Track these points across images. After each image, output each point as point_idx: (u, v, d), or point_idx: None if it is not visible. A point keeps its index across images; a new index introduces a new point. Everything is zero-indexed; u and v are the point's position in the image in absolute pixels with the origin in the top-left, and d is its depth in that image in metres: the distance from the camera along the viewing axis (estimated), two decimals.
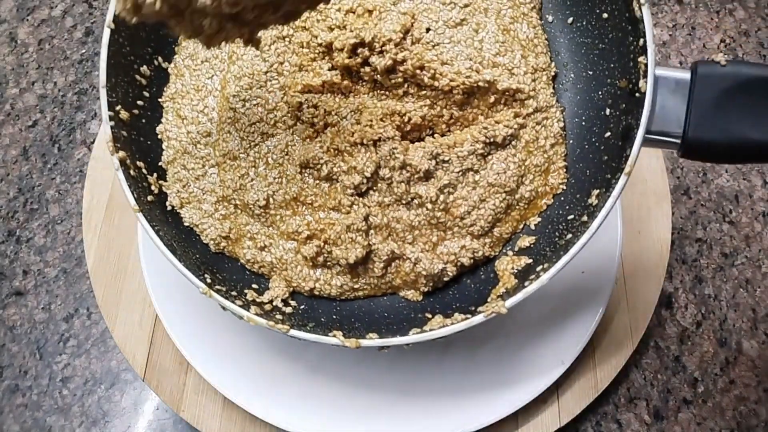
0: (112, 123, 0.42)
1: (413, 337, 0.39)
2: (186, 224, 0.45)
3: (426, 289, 0.45)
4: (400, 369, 0.52)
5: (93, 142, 0.63)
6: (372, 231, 0.44)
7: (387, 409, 0.50)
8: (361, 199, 0.44)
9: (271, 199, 0.44)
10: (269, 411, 0.49)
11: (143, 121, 0.46)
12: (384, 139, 0.43)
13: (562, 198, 0.45)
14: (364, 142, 0.43)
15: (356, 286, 0.45)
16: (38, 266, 0.60)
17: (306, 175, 0.44)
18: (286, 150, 0.44)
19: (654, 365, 0.56)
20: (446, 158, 0.44)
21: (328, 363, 0.53)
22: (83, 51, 0.71)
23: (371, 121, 0.44)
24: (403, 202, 0.44)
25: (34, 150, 0.66)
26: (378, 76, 0.45)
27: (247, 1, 0.35)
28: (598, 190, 0.41)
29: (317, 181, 0.44)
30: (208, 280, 0.41)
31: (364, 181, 0.43)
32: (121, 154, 0.42)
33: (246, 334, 0.53)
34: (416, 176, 0.43)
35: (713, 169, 0.63)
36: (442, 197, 0.44)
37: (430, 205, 0.44)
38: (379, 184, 0.44)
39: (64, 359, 0.57)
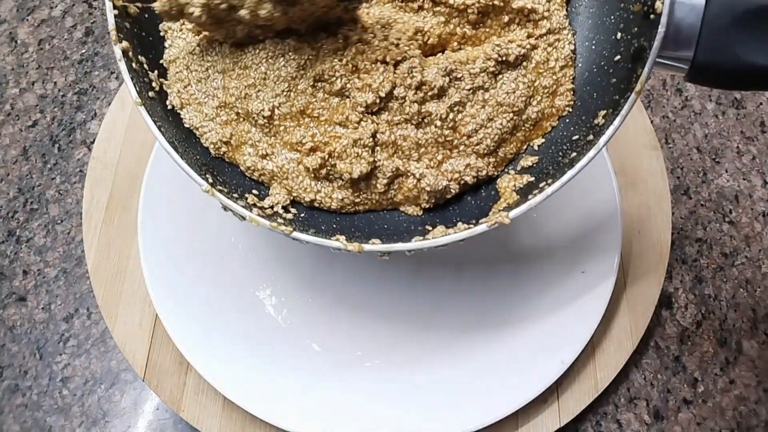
0: (116, 12, 0.41)
1: (415, 243, 0.40)
2: (186, 125, 0.44)
3: (427, 206, 0.45)
4: (401, 372, 0.52)
5: (93, 142, 0.63)
6: (378, 148, 0.43)
7: (387, 411, 0.50)
8: (370, 116, 0.43)
9: (276, 111, 0.43)
10: (269, 411, 0.49)
11: (146, 15, 0.44)
12: (406, 59, 0.43)
13: (567, 120, 0.46)
14: (387, 60, 0.43)
15: (357, 201, 0.44)
16: (38, 266, 0.60)
17: (317, 88, 0.43)
18: (303, 64, 0.43)
19: (654, 365, 0.56)
20: (459, 75, 0.44)
21: (328, 363, 0.53)
22: (83, 51, 0.71)
23: (399, 39, 0.43)
24: (413, 121, 0.44)
25: (34, 150, 0.66)
26: None
27: (279, 18, 0.35)
28: (605, 111, 0.42)
29: (327, 96, 0.43)
30: (210, 181, 0.41)
31: (377, 100, 0.42)
32: (124, 44, 0.41)
33: (246, 334, 0.53)
34: (429, 94, 0.43)
35: (713, 169, 0.63)
36: (451, 115, 0.43)
37: (439, 123, 0.43)
38: (391, 103, 0.43)
39: (64, 359, 0.57)
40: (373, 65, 0.43)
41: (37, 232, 0.62)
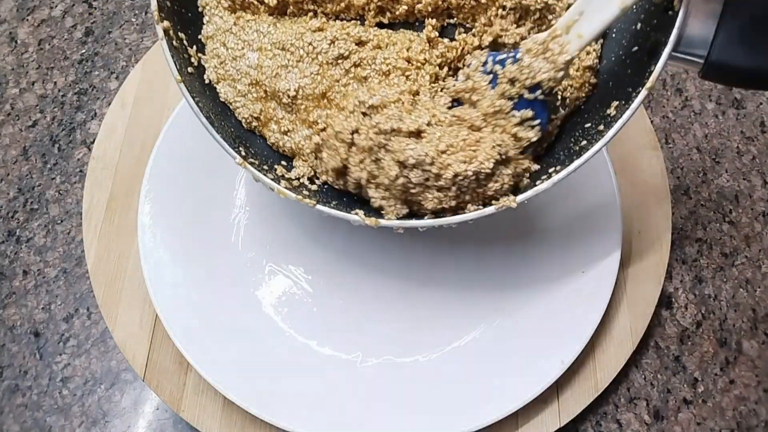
0: None
1: (428, 221, 0.41)
2: (221, 99, 0.46)
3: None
4: (401, 372, 0.52)
5: (93, 142, 0.63)
6: (354, 147, 0.44)
7: (387, 411, 0.50)
8: (361, 114, 0.44)
9: (301, 91, 0.44)
10: (269, 411, 0.49)
11: None
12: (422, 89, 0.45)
13: (582, 107, 0.46)
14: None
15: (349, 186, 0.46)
16: (38, 266, 0.60)
17: (346, 75, 0.45)
18: (345, 54, 0.45)
19: (654, 365, 0.56)
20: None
21: (328, 363, 0.53)
22: (83, 51, 0.71)
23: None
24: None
25: (34, 150, 0.66)
26: None
27: None
28: (617, 102, 0.42)
29: (349, 82, 0.45)
30: (243, 153, 0.43)
31: (371, 106, 0.43)
32: (165, 24, 0.42)
33: (246, 334, 0.53)
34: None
35: (713, 169, 0.63)
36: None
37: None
38: (388, 110, 0.44)
39: (64, 359, 0.57)
40: (393, 73, 0.44)
41: (37, 232, 0.62)
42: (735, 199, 0.62)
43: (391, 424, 0.49)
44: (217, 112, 0.45)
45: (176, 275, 0.54)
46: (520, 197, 0.41)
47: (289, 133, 0.46)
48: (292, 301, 0.55)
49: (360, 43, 0.46)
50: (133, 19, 0.73)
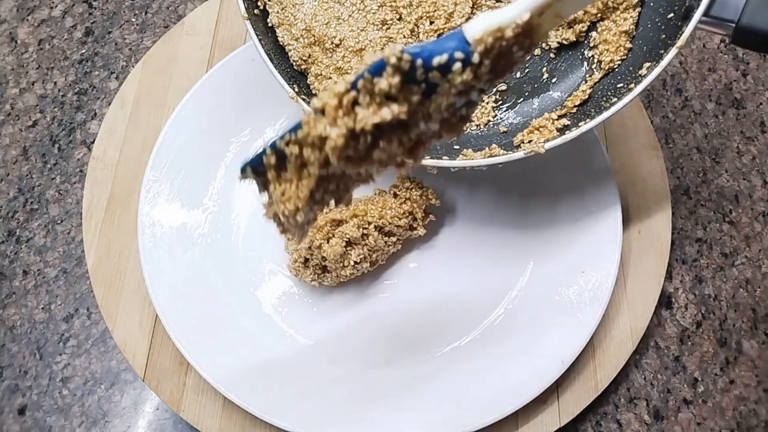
0: None
1: (460, 162, 0.45)
2: (279, 42, 0.51)
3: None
4: (401, 372, 0.52)
5: (93, 142, 0.63)
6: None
7: (387, 411, 0.50)
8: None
9: (344, 42, 0.49)
10: (269, 411, 0.49)
11: None
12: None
13: (616, 69, 0.48)
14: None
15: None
16: (38, 266, 0.60)
17: (381, 32, 0.50)
18: (382, 6, 0.50)
19: (654, 365, 0.56)
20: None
21: (328, 363, 0.53)
22: (83, 51, 0.71)
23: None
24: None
25: (34, 150, 0.66)
26: None
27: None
28: (649, 63, 0.44)
29: (384, 45, 0.49)
30: (296, 90, 0.48)
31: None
32: None
33: (246, 334, 0.53)
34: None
35: (713, 169, 0.63)
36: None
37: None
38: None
39: (64, 359, 0.57)
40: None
41: (37, 232, 0.62)
42: (735, 199, 0.62)
43: (391, 424, 0.49)
44: (276, 52, 0.50)
45: (176, 275, 0.54)
46: (549, 144, 0.43)
47: (328, 79, 0.50)
48: (292, 301, 0.55)
49: (400, 18, 0.50)
50: (133, 19, 0.73)
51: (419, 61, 0.25)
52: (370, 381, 0.52)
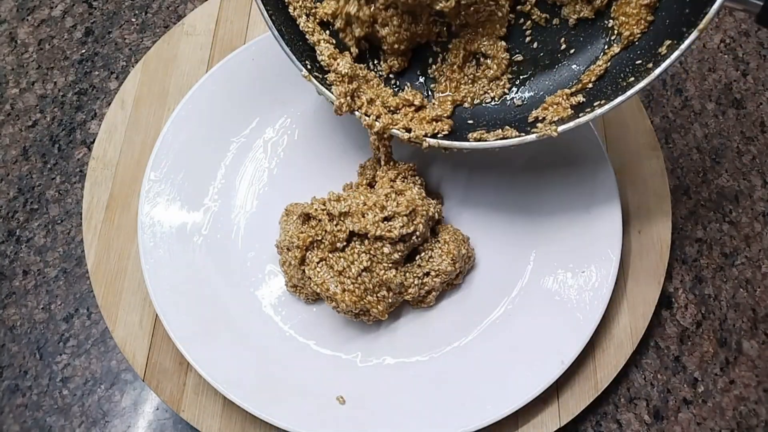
0: None
1: (472, 144, 0.46)
2: (291, 15, 0.49)
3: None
4: (400, 372, 0.52)
5: (93, 142, 0.63)
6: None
7: (387, 411, 0.50)
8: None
9: (349, 18, 0.49)
10: (269, 411, 0.49)
11: None
12: None
13: (636, 43, 0.47)
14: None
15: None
16: (38, 266, 0.60)
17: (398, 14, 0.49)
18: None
19: (654, 365, 0.56)
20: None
21: (328, 363, 0.53)
22: (83, 51, 0.71)
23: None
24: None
25: (34, 150, 0.66)
26: None
27: None
28: (669, 41, 0.43)
29: (396, 16, 0.49)
30: (308, 67, 0.47)
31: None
32: None
33: (246, 334, 0.53)
34: None
35: (713, 169, 0.63)
36: None
37: None
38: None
39: (64, 359, 0.57)
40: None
41: (37, 232, 0.62)
42: (735, 199, 0.62)
43: (391, 424, 0.49)
44: (288, 26, 0.49)
45: (176, 275, 0.54)
46: (562, 127, 0.42)
47: (335, 58, 0.49)
48: (292, 301, 0.55)
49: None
50: (133, 19, 0.73)
51: None
52: (370, 381, 0.52)
